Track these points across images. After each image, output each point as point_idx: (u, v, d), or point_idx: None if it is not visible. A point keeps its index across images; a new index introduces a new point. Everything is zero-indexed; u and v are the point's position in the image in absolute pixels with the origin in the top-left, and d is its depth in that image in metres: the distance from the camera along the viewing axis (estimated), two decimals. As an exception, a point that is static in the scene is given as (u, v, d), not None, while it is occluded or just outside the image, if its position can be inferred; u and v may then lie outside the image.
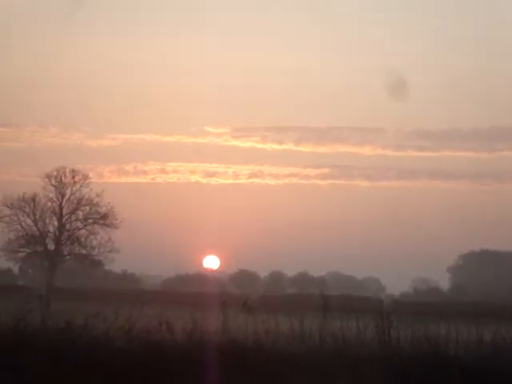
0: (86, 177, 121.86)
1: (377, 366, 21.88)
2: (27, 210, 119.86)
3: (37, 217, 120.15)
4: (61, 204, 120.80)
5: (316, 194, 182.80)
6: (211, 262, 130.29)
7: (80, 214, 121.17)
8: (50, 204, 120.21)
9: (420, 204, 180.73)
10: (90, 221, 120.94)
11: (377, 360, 22.15)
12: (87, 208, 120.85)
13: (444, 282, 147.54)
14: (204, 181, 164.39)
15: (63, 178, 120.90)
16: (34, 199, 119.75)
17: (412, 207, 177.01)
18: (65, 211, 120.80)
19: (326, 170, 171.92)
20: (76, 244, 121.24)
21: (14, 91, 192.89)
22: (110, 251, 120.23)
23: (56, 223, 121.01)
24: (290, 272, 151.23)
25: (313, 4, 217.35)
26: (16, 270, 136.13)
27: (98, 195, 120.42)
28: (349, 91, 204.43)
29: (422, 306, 69.66)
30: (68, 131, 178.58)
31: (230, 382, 20.33)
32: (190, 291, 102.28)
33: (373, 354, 22.58)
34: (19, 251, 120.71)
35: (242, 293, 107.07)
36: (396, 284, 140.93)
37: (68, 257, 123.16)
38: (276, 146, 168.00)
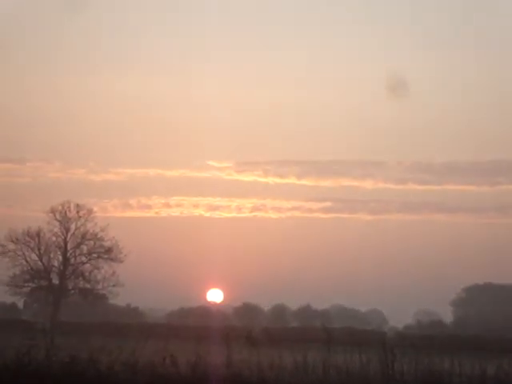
0: (90, 211, 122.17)
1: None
2: (32, 244, 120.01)
3: (41, 251, 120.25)
4: (65, 238, 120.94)
5: (319, 227, 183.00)
6: (215, 296, 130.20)
7: (84, 248, 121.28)
8: (54, 238, 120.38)
9: (422, 237, 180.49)
10: (95, 255, 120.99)
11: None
12: (92, 242, 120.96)
13: (447, 315, 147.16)
14: (207, 214, 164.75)
15: (68, 212, 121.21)
16: (38, 234, 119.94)
17: (415, 240, 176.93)
18: (69, 245, 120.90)
19: (328, 204, 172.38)
20: (80, 278, 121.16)
21: (17, 127, 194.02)
22: (114, 285, 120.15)
23: (60, 258, 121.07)
24: (293, 305, 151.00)
25: (313, 41, 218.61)
26: (21, 304, 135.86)
27: (102, 229, 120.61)
28: (349, 125, 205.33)
29: (426, 338, 69.36)
30: (72, 166, 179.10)
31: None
32: (193, 324, 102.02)
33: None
34: (24, 286, 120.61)
35: (245, 326, 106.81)
36: (399, 317, 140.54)
37: (72, 291, 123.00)
38: (278, 180, 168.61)
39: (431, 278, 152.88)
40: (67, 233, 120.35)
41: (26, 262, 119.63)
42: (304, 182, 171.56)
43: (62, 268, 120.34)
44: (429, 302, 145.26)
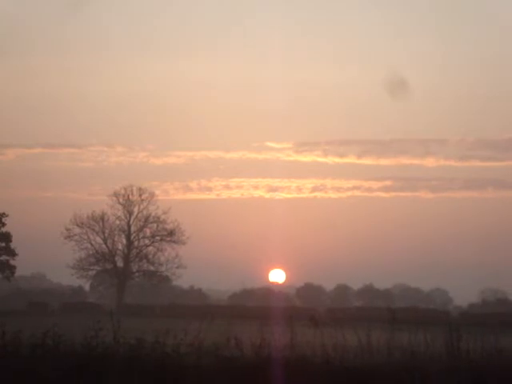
0: (152, 194, 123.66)
1: (447, 380, 21.75)
2: (96, 228, 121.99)
3: (106, 235, 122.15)
4: (129, 222, 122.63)
5: (379, 206, 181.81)
6: (277, 276, 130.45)
7: (147, 231, 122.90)
8: (118, 222, 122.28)
9: (486, 214, 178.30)
10: (158, 238, 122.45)
11: (447, 373, 22.03)
12: (154, 225, 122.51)
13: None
14: (267, 196, 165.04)
15: (131, 196, 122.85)
16: (102, 218, 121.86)
17: (478, 218, 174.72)
18: (133, 229, 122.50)
19: (389, 183, 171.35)
20: (144, 261, 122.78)
21: (80, 112, 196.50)
22: (177, 267, 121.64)
23: (124, 241, 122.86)
24: (356, 285, 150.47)
25: (373, 17, 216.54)
26: (87, 287, 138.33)
27: (164, 212, 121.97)
28: (410, 103, 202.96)
29: (491, 317, 68.42)
30: (133, 150, 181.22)
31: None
32: (256, 305, 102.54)
33: (442, 367, 22.45)
34: (90, 269, 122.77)
35: (308, 306, 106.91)
36: (464, 295, 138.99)
37: (137, 273, 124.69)
38: (338, 160, 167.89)
39: (497, 256, 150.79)
40: (130, 216, 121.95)
41: (91, 245, 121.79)
42: (364, 161, 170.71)
43: (126, 251, 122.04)
44: (494, 281, 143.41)
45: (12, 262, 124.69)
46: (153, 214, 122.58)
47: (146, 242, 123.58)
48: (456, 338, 24.08)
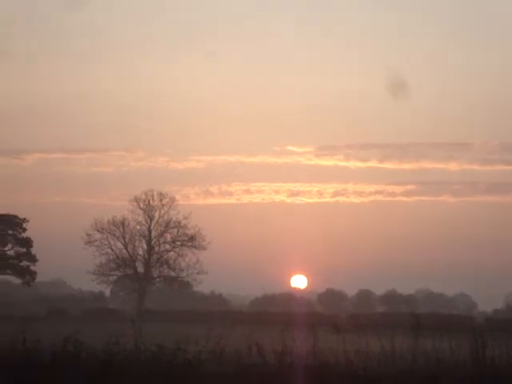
0: (173, 199, 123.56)
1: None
2: (117, 233, 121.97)
3: (126, 240, 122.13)
4: (149, 227, 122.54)
5: (402, 210, 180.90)
6: (299, 282, 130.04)
7: (168, 236, 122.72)
8: (138, 227, 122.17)
9: (510, 218, 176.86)
10: (178, 243, 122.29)
11: (472, 381, 21.67)
12: (175, 230, 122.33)
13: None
14: (288, 200, 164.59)
15: (151, 201, 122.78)
16: (123, 223, 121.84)
17: (502, 222, 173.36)
18: (153, 234, 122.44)
19: (411, 187, 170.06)
20: (165, 266, 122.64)
21: (100, 117, 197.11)
22: (198, 273, 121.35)
23: (145, 246, 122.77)
24: (378, 290, 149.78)
25: (399, 24, 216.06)
26: (108, 292, 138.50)
27: (185, 217, 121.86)
28: (432, 105, 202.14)
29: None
30: (154, 154, 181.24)
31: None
32: (278, 311, 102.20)
33: (467, 374, 22.09)
34: (110, 274, 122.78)
35: (330, 312, 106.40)
36: (488, 301, 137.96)
37: (157, 279, 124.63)
38: (359, 164, 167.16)
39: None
40: (151, 221, 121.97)
41: (112, 250, 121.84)
42: (386, 165, 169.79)
43: (146, 256, 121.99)
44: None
45: (32, 268, 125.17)
46: (173, 219, 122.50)
47: (167, 247, 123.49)
48: (481, 344, 23.69)
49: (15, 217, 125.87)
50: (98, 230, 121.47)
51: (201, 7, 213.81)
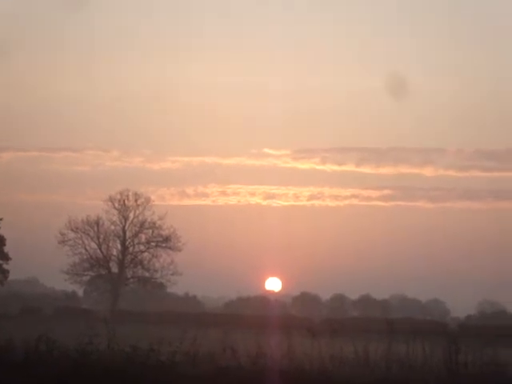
0: (148, 200, 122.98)
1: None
2: (91, 233, 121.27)
3: (100, 240, 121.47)
4: (124, 227, 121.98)
5: (378, 215, 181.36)
6: (273, 285, 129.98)
7: (143, 237, 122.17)
8: (113, 227, 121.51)
9: (486, 225, 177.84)
10: (153, 244, 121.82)
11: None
12: (150, 231, 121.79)
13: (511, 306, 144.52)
14: (264, 203, 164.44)
15: (126, 201, 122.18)
16: (97, 223, 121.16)
17: (477, 229, 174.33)
18: (128, 234, 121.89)
19: (387, 192, 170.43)
20: (139, 267, 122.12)
21: (75, 116, 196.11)
22: (172, 274, 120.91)
23: (119, 246, 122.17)
24: (353, 295, 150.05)
25: (367, 27, 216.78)
26: (81, 292, 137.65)
27: (160, 218, 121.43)
28: (409, 111, 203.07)
29: (489, 329, 68.08)
30: (129, 154, 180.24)
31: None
32: (252, 314, 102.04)
33: (441, 381, 22.13)
34: (84, 274, 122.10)
35: (304, 316, 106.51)
36: (461, 307, 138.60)
37: (131, 280, 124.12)
38: (336, 168, 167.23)
39: (495, 268, 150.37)
40: (126, 221, 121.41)
41: (86, 250, 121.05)
42: (362, 169, 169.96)
43: (120, 257, 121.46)
44: (492, 293, 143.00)
45: (5, 266, 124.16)
46: (148, 220, 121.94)
47: (141, 247, 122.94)
48: (454, 350, 23.75)
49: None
50: (72, 230, 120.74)
51: (175, 7, 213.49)
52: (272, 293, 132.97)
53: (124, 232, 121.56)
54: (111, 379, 21.10)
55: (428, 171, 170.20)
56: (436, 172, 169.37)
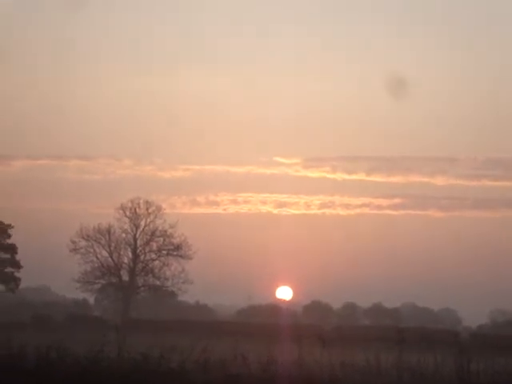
0: (159, 208, 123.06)
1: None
2: (103, 241, 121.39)
3: (112, 248, 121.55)
4: (135, 235, 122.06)
5: (389, 224, 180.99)
6: (284, 293, 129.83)
7: (154, 245, 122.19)
8: (124, 235, 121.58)
9: (498, 235, 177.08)
10: (164, 252, 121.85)
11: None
12: (161, 239, 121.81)
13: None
14: (275, 211, 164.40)
15: (137, 209, 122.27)
16: (109, 231, 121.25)
17: (489, 238, 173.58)
18: (139, 242, 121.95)
19: (398, 200, 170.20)
20: (150, 275, 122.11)
21: (88, 125, 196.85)
22: (183, 282, 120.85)
23: (130, 254, 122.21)
24: (364, 303, 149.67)
25: (383, 39, 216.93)
26: (92, 300, 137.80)
27: (171, 226, 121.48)
28: (420, 120, 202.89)
29: (501, 338, 67.68)
30: (141, 163, 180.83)
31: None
32: (263, 322, 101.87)
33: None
34: (95, 282, 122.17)
35: (315, 324, 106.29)
36: (473, 316, 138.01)
37: (142, 288, 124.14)
38: (347, 176, 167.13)
39: (507, 277, 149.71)
40: (137, 230, 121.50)
41: (97, 258, 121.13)
42: (373, 178, 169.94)
43: (131, 265, 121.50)
44: (504, 302, 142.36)
45: (17, 274, 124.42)
46: (159, 228, 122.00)
47: (153, 256, 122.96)
48: (466, 359, 23.67)
49: (0, 223, 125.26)
50: (84, 238, 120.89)
51: (183, 16, 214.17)
52: (283, 301, 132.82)
53: (135, 240, 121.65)
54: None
55: (439, 180, 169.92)
56: (447, 181, 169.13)
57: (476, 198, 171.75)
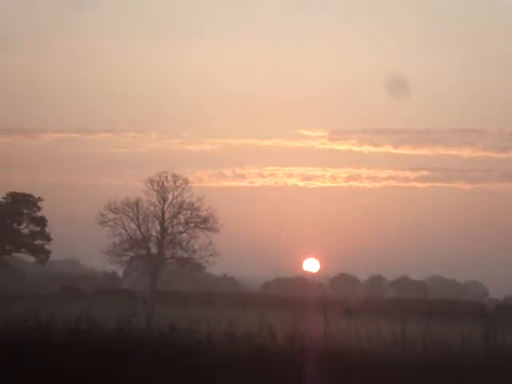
0: (186, 181, 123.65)
1: (484, 376, 21.40)
2: (131, 214, 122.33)
3: (140, 221, 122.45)
4: (163, 208, 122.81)
5: (415, 196, 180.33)
6: (311, 265, 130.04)
7: (181, 218, 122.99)
8: (152, 208, 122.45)
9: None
10: (192, 225, 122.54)
11: (483, 369, 21.66)
12: (188, 212, 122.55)
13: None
14: (301, 184, 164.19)
15: (165, 182, 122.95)
16: (137, 204, 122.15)
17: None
18: (167, 215, 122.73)
19: (425, 173, 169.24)
20: (178, 248, 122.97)
21: (116, 98, 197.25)
22: (211, 255, 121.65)
23: (158, 227, 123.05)
24: (390, 276, 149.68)
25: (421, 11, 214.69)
26: (120, 273, 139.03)
27: (198, 199, 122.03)
28: (447, 92, 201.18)
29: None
30: (168, 136, 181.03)
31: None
32: (289, 295, 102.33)
33: (478, 363, 22.08)
34: (123, 255, 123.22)
35: (341, 297, 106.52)
36: (500, 288, 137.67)
37: (170, 260, 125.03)
38: (373, 149, 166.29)
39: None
40: (164, 203, 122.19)
41: (125, 231, 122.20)
42: (400, 150, 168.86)
43: (159, 237, 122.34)
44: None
45: (47, 247, 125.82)
46: (187, 201, 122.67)
47: (180, 228, 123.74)
48: (493, 331, 23.69)
49: (30, 196, 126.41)
50: (112, 211, 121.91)
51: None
52: (310, 274, 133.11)
53: (163, 213, 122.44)
54: (150, 358, 21.37)
55: (466, 152, 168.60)
56: (474, 153, 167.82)
57: (504, 169, 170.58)
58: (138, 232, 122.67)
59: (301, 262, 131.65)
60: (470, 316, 26.97)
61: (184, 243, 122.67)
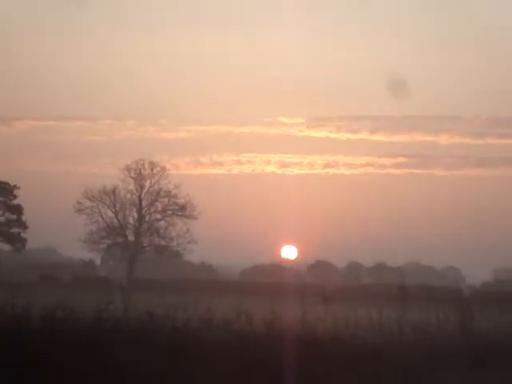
0: (164, 169, 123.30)
1: (458, 358, 21.61)
2: (108, 202, 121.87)
3: (117, 209, 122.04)
4: (140, 196, 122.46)
5: (392, 183, 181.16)
6: (288, 253, 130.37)
7: (159, 205, 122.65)
8: (129, 196, 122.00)
9: (500, 193, 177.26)
10: (169, 212, 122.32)
11: (458, 352, 21.87)
12: (166, 200, 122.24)
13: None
14: (279, 171, 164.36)
15: (142, 170, 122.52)
16: (114, 191, 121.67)
17: (492, 196, 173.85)
18: (144, 203, 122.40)
19: (401, 160, 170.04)
20: (155, 235, 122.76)
21: (91, 86, 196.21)
22: (188, 242, 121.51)
23: (136, 215, 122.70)
24: (368, 262, 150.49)
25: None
26: (98, 261, 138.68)
27: (176, 187, 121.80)
28: (423, 78, 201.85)
29: (504, 295, 68.19)
30: (145, 124, 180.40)
31: (310, 374, 20.34)
32: (267, 282, 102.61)
33: (453, 345, 22.29)
34: (100, 242, 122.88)
35: (319, 283, 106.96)
36: (477, 275, 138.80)
37: (147, 248, 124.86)
38: (350, 136, 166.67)
39: (510, 235, 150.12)
40: (142, 190, 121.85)
41: (102, 219, 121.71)
42: (377, 137, 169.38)
43: (137, 225, 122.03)
44: (508, 260, 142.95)
45: (23, 235, 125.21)
46: (164, 189, 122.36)
47: (158, 216, 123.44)
48: (469, 316, 23.93)
49: (6, 184, 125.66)
50: (89, 199, 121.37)
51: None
52: (288, 261, 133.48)
53: (140, 201, 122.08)
54: (127, 345, 21.37)
55: (443, 139, 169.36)
56: (451, 139, 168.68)
57: (480, 156, 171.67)
58: (115, 220, 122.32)
59: (279, 250, 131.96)
60: (446, 301, 27.19)
61: (161, 231, 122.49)
